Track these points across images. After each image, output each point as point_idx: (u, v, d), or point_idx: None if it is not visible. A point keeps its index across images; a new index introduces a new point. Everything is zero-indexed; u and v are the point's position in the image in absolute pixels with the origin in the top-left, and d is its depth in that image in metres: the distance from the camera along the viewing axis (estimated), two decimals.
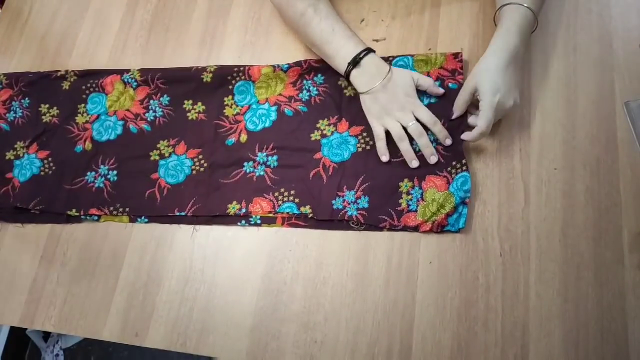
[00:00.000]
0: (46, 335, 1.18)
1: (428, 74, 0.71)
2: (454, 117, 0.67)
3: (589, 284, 0.62)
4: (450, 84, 0.70)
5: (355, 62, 0.67)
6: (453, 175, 0.66)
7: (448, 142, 0.67)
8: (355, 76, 0.68)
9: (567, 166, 0.67)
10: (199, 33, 0.82)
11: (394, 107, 0.67)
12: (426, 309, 0.63)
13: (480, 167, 0.68)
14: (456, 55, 0.71)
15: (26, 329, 1.11)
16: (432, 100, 0.70)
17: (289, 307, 0.65)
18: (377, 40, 0.76)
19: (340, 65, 0.69)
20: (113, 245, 0.72)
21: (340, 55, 0.69)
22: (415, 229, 0.65)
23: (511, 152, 0.68)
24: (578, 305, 0.61)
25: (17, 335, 1.16)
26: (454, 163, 0.67)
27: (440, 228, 0.65)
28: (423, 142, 0.67)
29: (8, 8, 0.90)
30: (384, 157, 0.68)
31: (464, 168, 0.66)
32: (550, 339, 0.60)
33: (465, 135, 0.65)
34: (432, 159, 0.67)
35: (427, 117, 0.67)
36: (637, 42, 0.71)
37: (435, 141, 0.68)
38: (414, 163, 0.67)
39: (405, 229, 0.66)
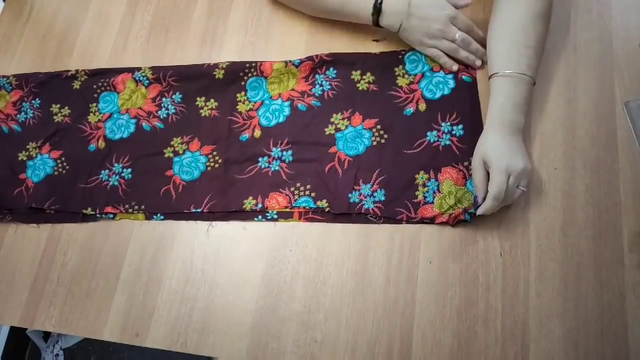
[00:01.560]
0: (46, 335, 1.18)
1: (441, 69, 0.72)
2: (479, 199, 0.63)
3: (589, 283, 0.62)
4: (464, 77, 0.71)
5: (377, 10, 0.69)
6: (470, 172, 0.66)
7: (478, 63, 0.71)
8: (384, 22, 0.70)
9: (567, 166, 0.67)
10: (199, 33, 0.82)
11: (431, 26, 0.68)
12: (426, 308, 0.63)
13: None
14: None
15: (26, 329, 1.11)
16: (445, 92, 0.71)
17: (289, 306, 0.65)
18: (377, 40, 0.76)
19: (366, 19, 0.71)
20: (113, 245, 0.72)
21: (361, 9, 0.70)
22: (432, 220, 0.65)
23: None
24: (578, 305, 0.61)
25: (17, 335, 1.16)
26: (471, 159, 0.66)
27: (456, 221, 0.65)
28: (473, 48, 0.70)
29: (9, 8, 0.90)
30: (454, 66, 0.71)
31: None
32: (550, 338, 0.60)
33: (481, 209, 0.62)
34: (478, 63, 0.71)
35: (465, 24, 0.69)
36: (637, 42, 0.71)
37: (449, 133, 0.69)
38: (455, 67, 0.71)
39: (422, 221, 0.66)
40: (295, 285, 0.66)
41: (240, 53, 0.79)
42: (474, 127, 0.68)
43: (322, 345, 0.63)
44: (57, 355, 1.14)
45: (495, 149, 0.62)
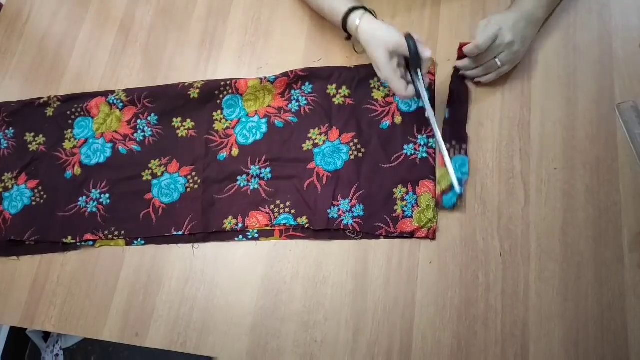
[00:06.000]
0: (46, 335, 1.18)
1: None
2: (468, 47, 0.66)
3: (589, 283, 0.62)
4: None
5: (348, 36, 0.71)
6: (451, 155, 0.66)
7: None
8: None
9: (567, 166, 0.67)
10: (199, 33, 0.82)
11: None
12: (426, 308, 0.63)
13: (481, 167, 0.68)
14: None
15: (26, 329, 1.11)
16: (421, 105, 0.70)
17: (289, 306, 0.65)
18: None
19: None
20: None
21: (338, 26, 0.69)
22: (411, 234, 0.65)
23: (511, 152, 0.68)
24: (578, 305, 0.61)
25: (17, 335, 1.16)
26: (453, 142, 0.67)
27: (434, 235, 0.65)
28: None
29: (8, 9, 0.90)
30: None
31: (463, 152, 0.67)
32: (550, 338, 0.60)
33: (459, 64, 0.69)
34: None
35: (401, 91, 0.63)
36: (637, 42, 0.71)
37: (426, 145, 0.69)
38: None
39: (401, 235, 0.66)
40: (295, 286, 0.66)
41: (240, 53, 0.79)
42: (461, 115, 0.69)
43: (322, 345, 0.63)
44: (57, 355, 1.14)
45: (497, 18, 0.65)
